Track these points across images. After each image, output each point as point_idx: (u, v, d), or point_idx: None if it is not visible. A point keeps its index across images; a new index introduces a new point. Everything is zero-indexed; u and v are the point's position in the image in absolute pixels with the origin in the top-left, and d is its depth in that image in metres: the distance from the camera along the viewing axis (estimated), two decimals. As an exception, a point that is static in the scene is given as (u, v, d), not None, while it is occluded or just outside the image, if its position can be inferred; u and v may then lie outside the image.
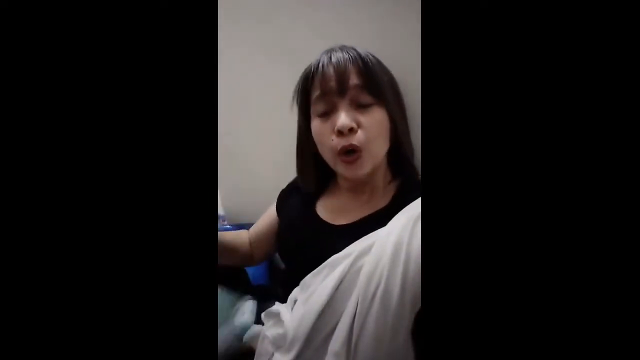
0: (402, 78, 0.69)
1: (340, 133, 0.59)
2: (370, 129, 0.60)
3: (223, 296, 0.73)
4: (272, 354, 0.55)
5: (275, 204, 0.79)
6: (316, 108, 0.63)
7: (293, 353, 0.52)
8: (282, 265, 0.76)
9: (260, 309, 0.78)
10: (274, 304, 0.62)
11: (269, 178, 0.84)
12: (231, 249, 0.75)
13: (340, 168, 0.63)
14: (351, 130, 0.59)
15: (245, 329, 0.67)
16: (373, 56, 0.64)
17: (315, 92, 0.62)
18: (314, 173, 0.71)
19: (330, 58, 0.62)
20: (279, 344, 0.54)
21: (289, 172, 0.76)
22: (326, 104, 0.61)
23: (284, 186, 0.79)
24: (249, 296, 0.84)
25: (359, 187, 0.67)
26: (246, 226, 0.90)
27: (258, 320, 0.70)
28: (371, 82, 0.61)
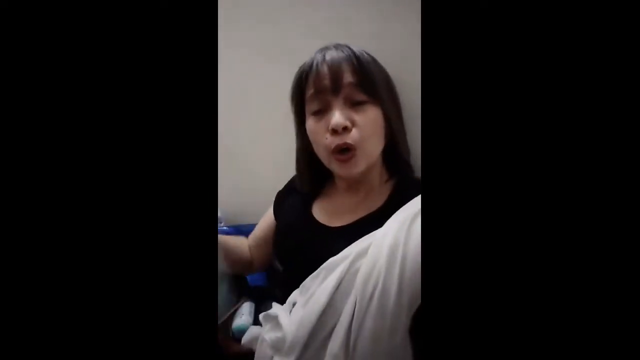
0: (402, 78, 0.69)
1: (334, 131, 0.59)
2: (364, 127, 0.60)
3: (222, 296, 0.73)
4: (271, 357, 0.55)
5: (272, 206, 0.78)
6: (310, 107, 0.63)
7: (293, 357, 0.52)
8: (280, 267, 0.76)
9: (258, 310, 0.78)
10: (272, 305, 0.62)
11: (268, 178, 0.84)
12: (230, 256, 0.75)
13: (334, 167, 0.63)
14: (345, 129, 0.59)
15: (243, 330, 0.67)
16: (368, 54, 0.63)
17: (309, 91, 0.62)
18: (310, 173, 0.71)
19: (325, 56, 0.62)
20: (278, 347, 0.54)
21: (288, 172, 0.76)
22: (320, 102, 0.61)
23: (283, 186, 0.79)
24: (247, 297, 0.84)
25: (355, 186, 0.67)
26: (244, 227, 0.90)
27: (256, 322, 0.70)
28: (365, 80, 0.60)
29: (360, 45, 0.65)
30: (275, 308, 0.60)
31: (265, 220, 0.79)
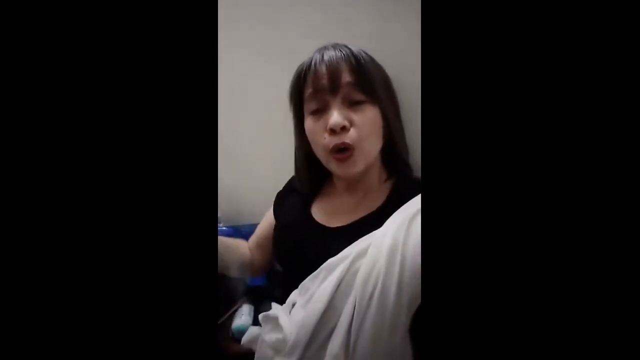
0: (402, 78, 0.69)
1: (332, 131, 0.59)
2: (362, 126, 0.60)
3: None
4: (272, 358, 0.55)
5: (272, 207, 0.78)
6: (309, 106, 0.63)
7: (294, 358, 0.52)
8: (277, 264, 0.75)
9: (257, 310, 0.78)
10: (271, 305, 0.62)
11: (268, 178, 0.84)
12: (230, 257, 0.74)
13: (332, 166, 0.63)
14: (343, 129, 0.59)
15: (243, 331, 0.66)
16: (366, 54, 0.63)
17: (307, 91, 0.62)
18: (309, 172, 0.71)
19: (323, 56, 0.61)
20: (278, 348, 0.54)
21: (288, 172, 0.76)
22: (318, 102, 0.61)
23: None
24: (247, 298, 0.84)
25: (354, 186, 0.67)
26: (243, 228, 0.90)
27: (256, 322, 0.70)
28: (363, 79, 0.60)
29: (360, 45, 0.64)
30: (275, 308, 0.60)
31: (266, 221, 0.79)
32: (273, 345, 0.55)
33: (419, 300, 0.47)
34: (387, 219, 0.54)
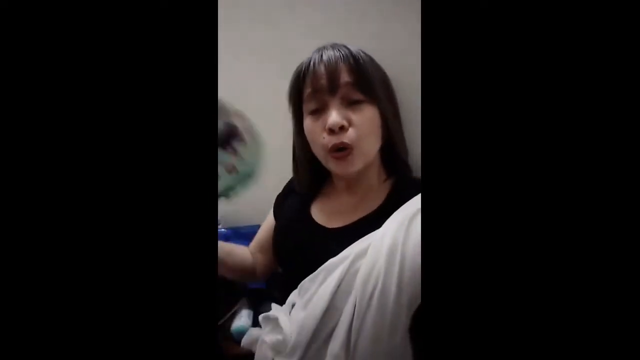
0: (402, 78, 0.69)
1: (331, 131, 0.59)
2: (361, 126, 0.60)
3: None
4: (272, 359, 0.55)
5: (272, 210, 0.78)
6: (308, 106, 0.63)
7: (294, 359, 0.52)
8: (279, 268, 0.75)
9: (257, 311, 0.77)
10: (271, 306, 0.61)
11: (267, 179, 0.84)
12: (232, 261, 0.74)
13: (331, 165, 0.63)
14: (342, 128, 0.59)
15: (243, 332, 0.66)
16: (365, 53, 0.63)
17: (306, 90, 0.62)
18: (308, 173, 0.71)
19: (322, 56, 0.62)
20: (279, 349, 0.54)
21: (288, 173, 0.76)
22: (317, 102, 0.61)
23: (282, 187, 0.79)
24: (246, 299, 0.84)
25: (354, 186, 0.67)
26: (243, 229, 0.89)
27: (255, 323, 0.70)
28: (362, 79, 0.60)
29: (360, 45, 0.64)
30: (275, 309, 0.60)
31: (267, 224, 0.79)
32: (273, 346, 0.55)
33: (418, 300, 0.47)
34: (386, 219, 0.54)
